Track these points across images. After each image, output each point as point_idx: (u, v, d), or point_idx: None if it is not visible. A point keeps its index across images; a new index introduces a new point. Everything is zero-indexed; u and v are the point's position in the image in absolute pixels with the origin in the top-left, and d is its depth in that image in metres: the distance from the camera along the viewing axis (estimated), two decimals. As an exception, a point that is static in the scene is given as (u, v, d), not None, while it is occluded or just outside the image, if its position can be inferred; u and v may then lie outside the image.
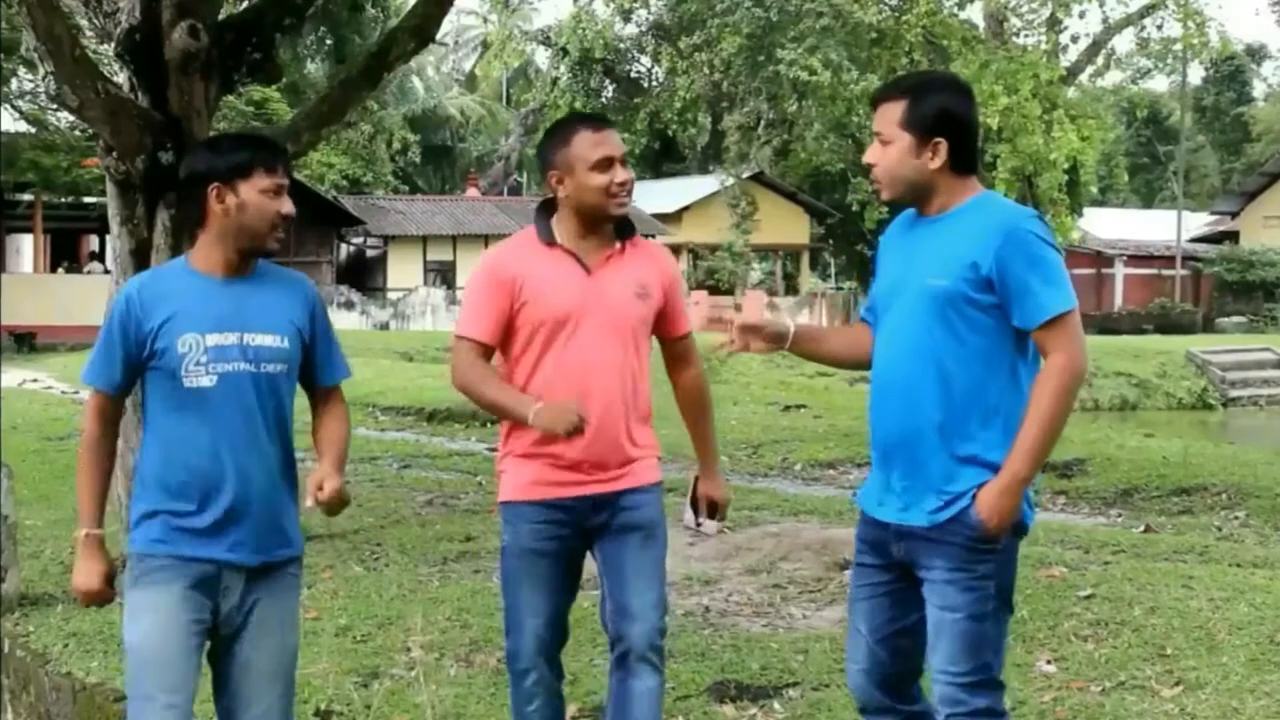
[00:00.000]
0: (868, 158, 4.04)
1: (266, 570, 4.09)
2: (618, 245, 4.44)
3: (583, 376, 4.32)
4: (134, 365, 4.02)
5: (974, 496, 3.83)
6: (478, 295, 4.41)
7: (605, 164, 4.33)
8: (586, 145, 4.34)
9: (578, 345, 4.33)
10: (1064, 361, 3.79)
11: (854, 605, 4.17)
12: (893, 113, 3.96)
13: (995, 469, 3.83)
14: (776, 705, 5.59)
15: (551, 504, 4.37)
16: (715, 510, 4.71)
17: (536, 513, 4.38)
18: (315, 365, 4.20)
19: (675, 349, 4.62)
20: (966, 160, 3.97)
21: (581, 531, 4.41)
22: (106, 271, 29.55)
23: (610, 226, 4.43)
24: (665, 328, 4.55)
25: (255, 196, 3.99)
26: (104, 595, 4.11)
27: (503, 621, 4.56)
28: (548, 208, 4.48)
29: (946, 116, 3.93)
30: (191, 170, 4.09)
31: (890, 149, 3.96)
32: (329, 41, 50.75)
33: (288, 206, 4.06)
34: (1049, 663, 5.91)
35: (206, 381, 3.97)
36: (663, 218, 49.23)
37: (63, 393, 20.96)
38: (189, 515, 3.98)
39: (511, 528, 4.43)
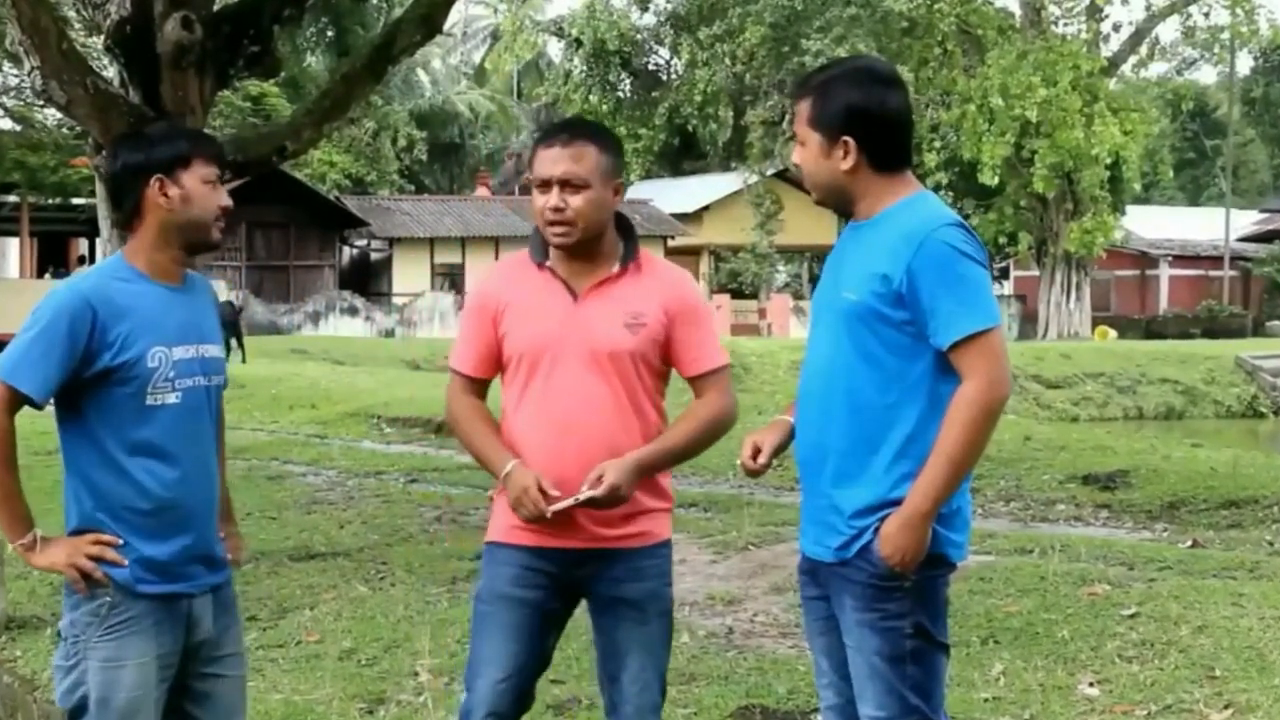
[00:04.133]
0: (792, 159, 3.92)
1: (218, 592, 4.03)
2: (616, 268, 4.11)
3: (564, 416, 4.04)
4: (71, 376, 3.77)
5: (876, 530, 3.70)
6: (465, 323, 4.24)
7: (543, 185, 4.02)
8: (534, 161, 4.08)
9: (558, 381, 4.05)
10: (978, 386, 3.63)
11: (811, 642, 4.06)
12: (803, 111, 3.82)
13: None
14: (804, 731, 5.59)
15: (534, 551, 4.10)
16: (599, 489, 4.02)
17: (517, 557, 4.12)
18: None
19: (697, 387, 4.19)
20: (890, 157, 3.81)
21: (566, 587, 4.14)
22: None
23: (602, 246, 4.11)
24: (678, 364, 4.17)
25: (199, 187, 3.89)
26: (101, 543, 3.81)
27: None
28: None
29: (853, 113, 3.74)
30: (126, 163, 3.94)
31: (806, 151, 3.83)
32: (330, 33, 50.94)
33: (227, 199, 3.97)
34: (1092, 685, 5.90)
35: (173, 399, 3.85)
36: (682, 218, 49.27)
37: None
38: (159, 546, 3.84)
39: (488, 570, 4.19)
